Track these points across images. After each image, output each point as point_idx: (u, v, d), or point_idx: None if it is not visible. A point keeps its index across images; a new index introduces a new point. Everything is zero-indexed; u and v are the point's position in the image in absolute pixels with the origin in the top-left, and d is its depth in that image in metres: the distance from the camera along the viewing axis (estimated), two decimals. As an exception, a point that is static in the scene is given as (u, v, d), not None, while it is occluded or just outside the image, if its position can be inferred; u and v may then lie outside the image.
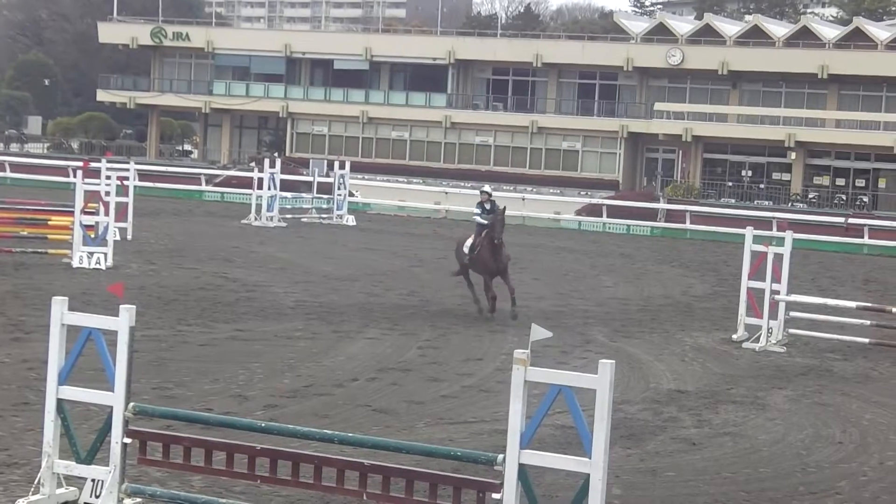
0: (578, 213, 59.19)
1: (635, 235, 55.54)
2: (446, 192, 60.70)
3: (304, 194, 52.95)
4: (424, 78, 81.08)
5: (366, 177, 66.16)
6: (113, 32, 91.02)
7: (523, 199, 60.06)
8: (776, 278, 24.23)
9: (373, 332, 22.74)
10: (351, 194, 54.83)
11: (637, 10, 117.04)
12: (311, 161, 68.68)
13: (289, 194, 51.16)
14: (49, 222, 31.36)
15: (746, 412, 17.77)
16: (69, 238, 30.46)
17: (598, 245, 47.98)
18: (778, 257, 24.31)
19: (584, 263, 39.79)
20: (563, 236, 51.44)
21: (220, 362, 19.11)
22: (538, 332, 10.46)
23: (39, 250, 30.51)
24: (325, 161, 65.64)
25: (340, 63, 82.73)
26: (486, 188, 27.34)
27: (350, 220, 50.37)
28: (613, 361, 10.04)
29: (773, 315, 24.10)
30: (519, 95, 79.44)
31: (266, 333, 21.96)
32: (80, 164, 34.51)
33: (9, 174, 63.56)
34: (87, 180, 31.03)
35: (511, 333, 23.38)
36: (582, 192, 65.54)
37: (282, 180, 49.37)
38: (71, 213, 30.72)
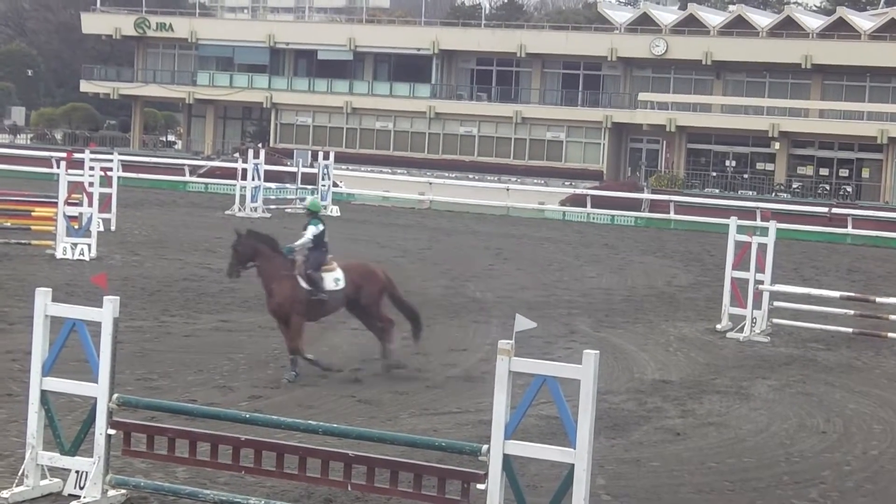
0: (562, 203, 59.23)
1: (619, 226, 55.63)
2: (430, 183, 60.71)
3: (288, 185, 52.89)
4: (408, 68, 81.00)
5: (350, 167, 66.12)
6: (96, 23, 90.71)
7: (507, 190, 60.13)
8: (760, 268, 24.30)
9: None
10: (335, 185, 54.81)
11: (621, 0, 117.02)
12: (295, 151, 68.63)
13: (273, 185, 51.10)
14: (32, 213, 31.30)
15: (730, 402, 17.82)
16: (53, 229, 30.39)
17: (582, 235, 48.04)
18: (762, 247, 24.37)
19: (569, 254, 39.81)
20: (547, 227, 51.48)
21: (204, 353, 19.11)
22: (522, 323, 10.48)
23: (23, 241, 30.43)
24: (310, 152, 65.55)
25: (324, 53, 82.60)
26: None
27: (334, 211, 50.32)
28: (597, 352, 10.07)
29: (757, 305, 24.16)
30: (503, 86, 79.40)
31: (250, 325, 21.96)
32: (64, 154, 34.44)
33: (-8, 165, 63.37)
34: (70, 171, 30.97)
35: (495, 324, 23.40)
36: (566, 183, 65.54)
37: (266, 171, 49.31)
38: (54, 204, 30.65)
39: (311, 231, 18.21)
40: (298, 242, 18.26)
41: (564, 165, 72.89)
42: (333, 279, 18.13)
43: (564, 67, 77.81)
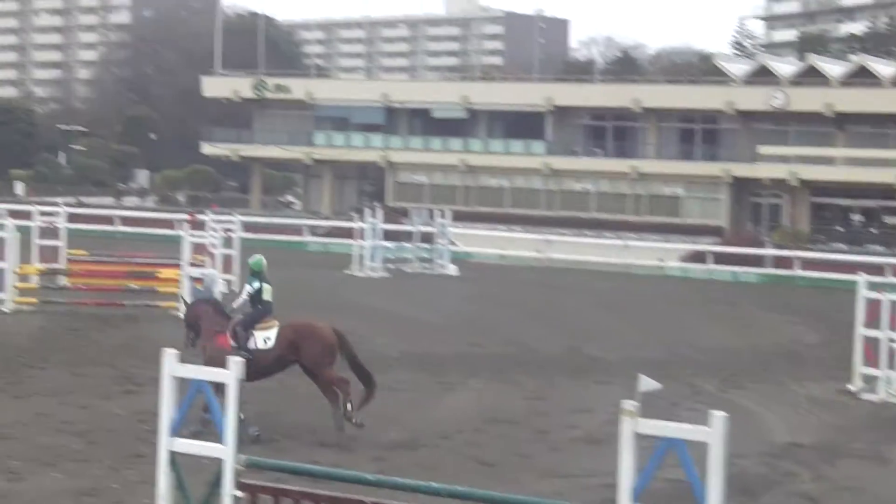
0: (682, 259, 58.60)
1: (742, 282, 54.79)
2: (547, 240, 60.49)
3: (405, 244, 53.06)
4: (523, 125, 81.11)
5: (466, 225, 66.18)
6: (216, 86, 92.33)
7: (626, 246, 59.70)
8: (893, 326, 23.56)
9: (477, 382, 22.63)
10: (452, 243, 54.84)
11: (738, 52, 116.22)
12: (411, 210, 68.95)
13: (391, 244, 51.30)
14: (158, 275, 31.72)
15: (867, 466, 17.35)
16: (177, 290, 30.77)
17: (703, 293, 47.44)
18: (894, 305, 23.66)
19: (690, 312, 39.35)
20: (667, 284, 50.97)
21: (326, 414, 19.12)
22: (646, 383, 10.34)
23: (149, 303, 30.85)
24: (426, 210, 65.82)
25: (439, 112, 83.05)
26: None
27: (452, 270, 50.36)
28: (725, 413, 9.88)
29: (892, 365, 23.44)
30: (618, 141, 79.17)
31: (372, 385, 21.94)
32: (187, 216, 34.94)
33: (119, 228, 64.53)
34: (193, 233, 31.38)
35: (618, 384, 23.14)
36: (685, 239, 64.90)
37: (383, 230, 49.53)
38: (179, 266, 31.05)
39: (246, 290, 18.23)
40: (236, 302, 18.32)
41: (683, 221, 72.30)
42: (263, 338, 17.70)
43: (681, 121, 77.37)
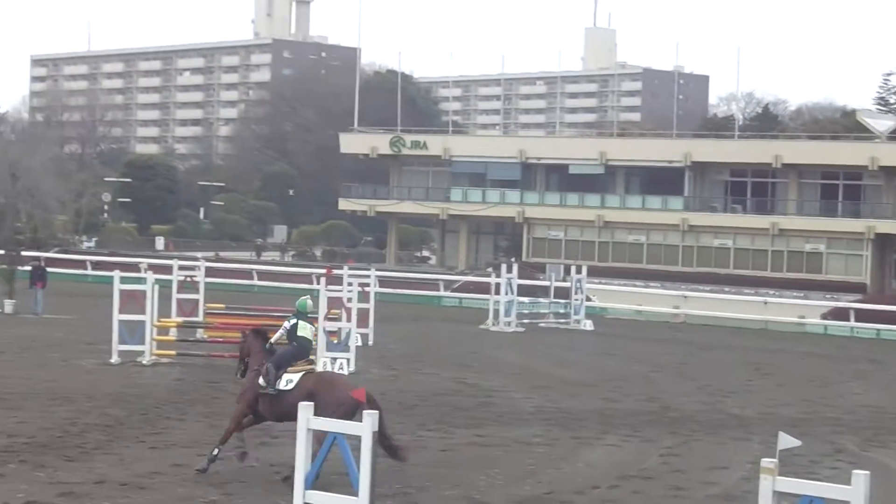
0: (824, 316, 57.50)
1: (886, 340, 53.55)
2: (685, 297, 59.88)
3: (541, 299, 52.95)
4: (660, 181, 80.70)
5: (602, 281, 65.82)
6: (354, 142, 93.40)
7: (765, 303, 58.81)
8: None
9: (612, 438, 22.41)
10: (588, 299, 54.57)
11: (881, 108, 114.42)
12: (547, 266, 68.83)
13: (526, 299, 51.21)
14: (293, 328, 31.98)
15: None
16: (313, 344, 30.99)
17: (845, 350, 46.51)
18: None
19: (832, 369, 38.58)
20: (807, 341, 50.06)
21: (459, 468, 19.07)
22: (786, 441, 10.14)
23: (284, 356, 31.07)
24: (562, 265, 65.63)
25: (575, 167, 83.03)
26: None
27: (588, 325, 50.09)
28: (867, 472, 9.62)
29: None
30: (758, 197, 78.34)
31: (505, 439, 21.85)
32: (324, 271, 35.25)
33: (256, 282, 65.38)
34: (329, 287, 31.63)
35: (756, 441, 22.74)
36: (827, 296, 63.75)
37: (519, 285, 49.44)
38: (315, 320, 31.28)
39: (284, 325, 18.49)
40: (275, 336, 18.44)
41: (825, 277, 71.12)
42: (287, 380, 17.61)
43: (823, 178, 76.33)
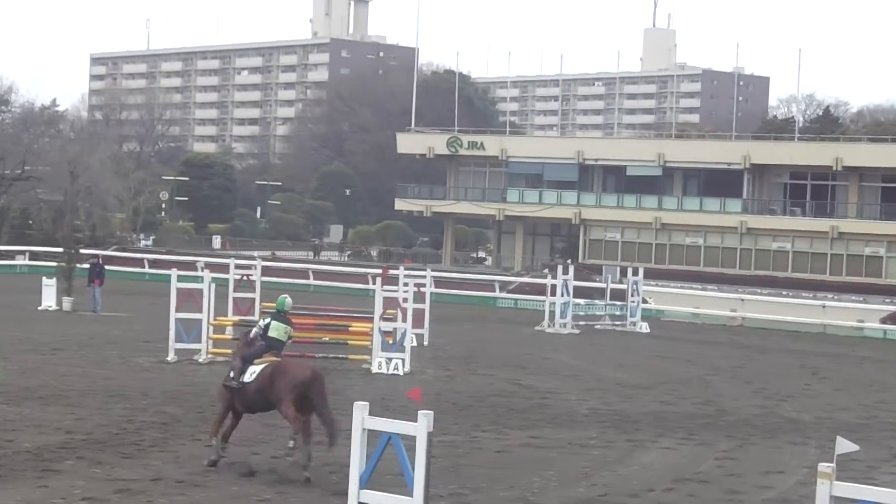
0: (883, 321, 56.97)
1: (944, 344, 53.00)
2: (742, 300, 59.51)
3: (597, 301, 52.78)
4: (719, 183, 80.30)
5: (659, 283, 65.53)
6: (410, 143, 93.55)
7: (823, 307, 58.32)
8: None
9: (668, 441, 22.29)
10: (644, 301, 54.33)
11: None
12: (603, 267, 68.65)
13: (582, 301, 51.07)
14: (350, 328, 32.09)
15: None
16: (368, 344, 31.06)
17: (903, 354, 46.04)
18: None
19: (890, 374, 38.21)
20: (866, 345, 49.61)
21: (514, 469, 19.03)
22: (843, 445, 10.04)
23: (340, 356, 31.20)
24: (618, 267, 65.43)
25: (633, 169, 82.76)
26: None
27: (643, 327, 49.89)
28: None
29: None
30: (818, 200, 77.76)
31: (560, 441, 21.79)
32: (379, 271, 35.30)
33: (312, 281, 65.59)
34: (385, 287, 31.67)
35: (813, 445, 22.56)
36: (886, 300, 63.17)
37: (575, 287, 49.30)
38: (370, 320, 31.36)
39: (259, 324, 19.12)
40: (251, 334, 18.86)
41: (885, 281, 70.52)
42: (251, 371, 17.89)
43: (883, 181, 75.67)
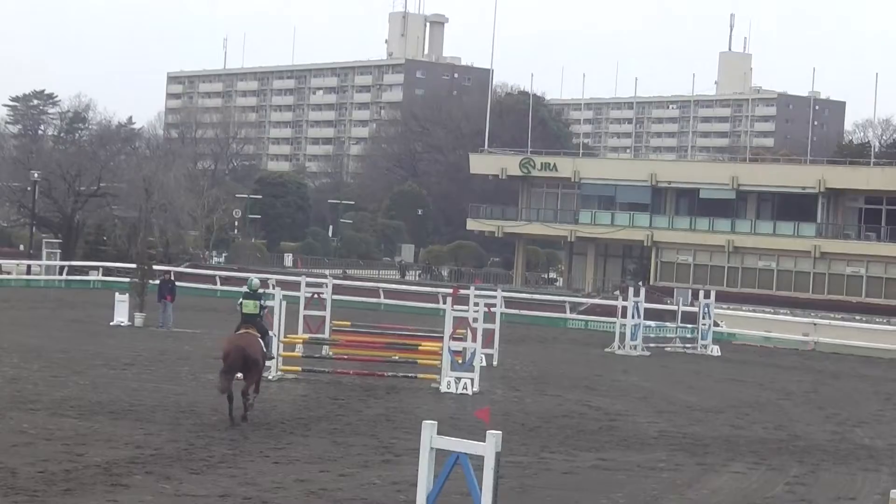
0: (958, 347, 56.10)
1: None
2: (815, 324, 58.89)
3: (668, 323, 52.47)
4: (792, 207, 79.68)
5: (731, 306, 65.01)
6: (483, 163, 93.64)
7: (897, 333, 57.55)
8: None
9: (738, 465, 22.09)
10: (716, 324, 53.91)
11: None
12: (675, 290, 68.23)
13: (653, 323, 50.77)
14: (419, 347, 32.11)
15: None
16: (438, 363, 31.04)
17: (979, 382, 45.29)
18: None
19: (965, 401, 37.59)
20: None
21: (582, 491, 18.94)
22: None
23: (409, 374, 31.22)
24: (690, 290, 65.02)
25: (706, 192, 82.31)
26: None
27: (715, 351, 49.50)
28: None
29: None
30: (893, 225, 76.93)
31: (629, 463, 21.65)
32: (450, 290, 35.28)
33: (382, 300, 65.74)
34: (456, 307, 31.66)
35: (886, 472, 22.26)
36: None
37: (646, 309, 49.02)
38: (440, 339, 31.35)
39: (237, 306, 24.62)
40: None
41: (960, 308, 69.54)
42: None
43: (959, 206, 74.73)
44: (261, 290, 24.69)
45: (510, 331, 47.48)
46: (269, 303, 26.14)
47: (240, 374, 23.16)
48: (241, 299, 24.14)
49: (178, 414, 24.08)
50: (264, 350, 23.88)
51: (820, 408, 32.53)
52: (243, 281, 36.23)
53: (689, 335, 50.92)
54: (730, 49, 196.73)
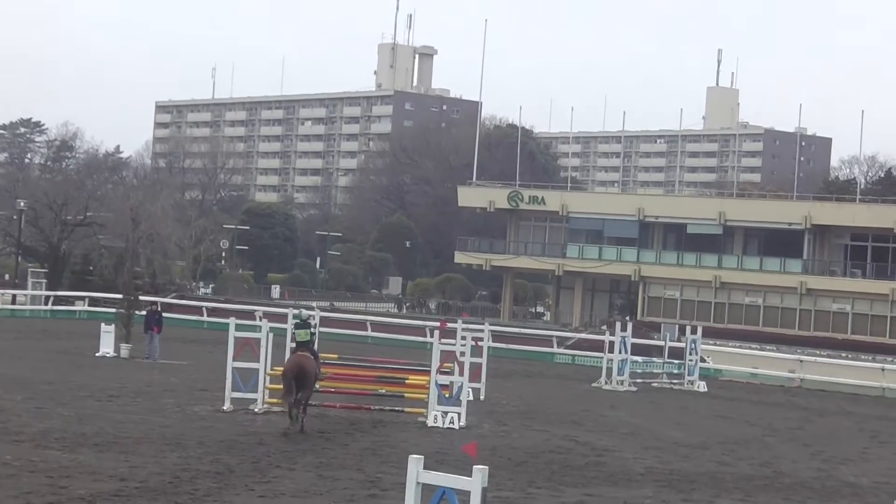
0: (946, 386, 56.18)
1: None
2: (801, 360, 58.97)
3: (655, 359, 52.49)
4: (779, 243, 79.88)
5: (717, 342, 65.08)
6: (471, 196, 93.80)
7: (883, 370, 57.67)
8: None
9: (724, 502, 22.08)
10: (702, 360, 53.95)
11: None
12: (662, 325, 68.33)
13: (640, 358, 50.78)
14: (406, 381, 32.04)
15: None
16: (425, 397, 30.98)
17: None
18: None
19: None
20: (927, 409, 48.91)
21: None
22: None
23: (396, 408, 31.15)
24: (677, 325, 65.10)
25: (693, 227, 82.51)
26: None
27: (701, 387, 49.52)
28: None
29: None
30: (878, 262, 77.11)
31: (615, 499, 21.62)
32: (437, 324, 35.25)
33: (370, 333, 65.69)
34: (443, 340, 31.61)
35: (872, 511, 22.25)
36: (947, 364, 62.32)
37: (633, 344, 49.04)
38: (427, 373, 31.29)
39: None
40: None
41: (946, 345, 69.66)
42: None
43: (948, 244, 74.94)
44: (310, 321, 29.22)
45: (497, 365, 47.43)
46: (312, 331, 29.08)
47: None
48: (293, 329, 28.71)
49: (164, 446, 23.98)
50: (317, 370, 28.07)
51: (806, 445, 32.53)
52: (231, 312, 36.32)
53: (675, 371, 50.94)
54: (717, 84, 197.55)
